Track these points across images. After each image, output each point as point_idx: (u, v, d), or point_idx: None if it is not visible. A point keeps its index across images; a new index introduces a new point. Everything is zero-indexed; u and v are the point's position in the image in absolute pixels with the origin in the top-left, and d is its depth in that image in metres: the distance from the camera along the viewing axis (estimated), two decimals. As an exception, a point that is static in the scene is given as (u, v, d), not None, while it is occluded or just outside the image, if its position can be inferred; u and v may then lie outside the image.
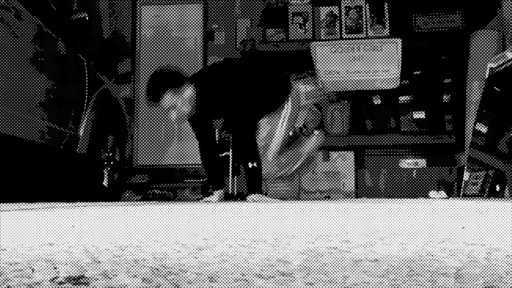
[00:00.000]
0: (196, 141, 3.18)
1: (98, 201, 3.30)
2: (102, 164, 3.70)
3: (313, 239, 0.74)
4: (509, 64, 3.72)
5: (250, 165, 2.95)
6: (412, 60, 5.04)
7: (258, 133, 3.10)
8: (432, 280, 0.43)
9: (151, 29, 5.91)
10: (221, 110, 3.05)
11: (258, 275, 0.46)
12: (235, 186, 4.79)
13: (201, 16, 5.84)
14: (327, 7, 5.20)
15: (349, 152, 5.07)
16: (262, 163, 3.03)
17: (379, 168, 5.11)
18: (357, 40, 5.00)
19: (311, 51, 4.95)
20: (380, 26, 5.09)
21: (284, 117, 3.08)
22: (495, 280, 0.43)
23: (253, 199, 2.95)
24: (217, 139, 4.17)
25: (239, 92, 2.94)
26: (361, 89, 4.99)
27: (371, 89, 5.00)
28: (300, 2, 5.26)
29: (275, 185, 4.87)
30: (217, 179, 3.15)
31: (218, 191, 3.12)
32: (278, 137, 3.08)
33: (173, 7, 5.91)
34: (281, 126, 3.07)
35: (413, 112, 5.11)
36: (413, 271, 0.47)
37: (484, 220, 1.23)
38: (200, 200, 3.22)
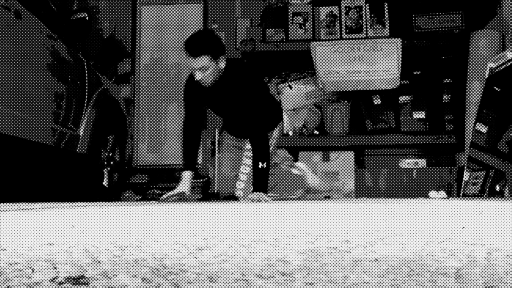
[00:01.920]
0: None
1: (98, 201, 3.30)
2: (102, 164, 3.71)
3: (313, 239, 0.74)
4: (509, 64, 3.72)
5: (260, 165, 2.98)
6: (412, 60, 5.04)
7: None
8: (432, 280, 0.43)
9: (151, 29, 5.91)
10: (229, 103, 3.14)
11: (258, 275, 0.46)
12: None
13: (201, 16, 5.84)
14: (327, 7, 5.20)
15: (349, 152, 5.07)
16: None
17: (379, 168, 5.11)
18: (357, 40, 5.00)
19: (311, 51, 4.95)
20: (380, 26, 5.09)
21: (273, 138, 3.35)
22: (495, 280, 0.43)
23: (253, 198, 2.96)
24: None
25: (248, 101, 3.09)
26: (361, 89, 4.99)
27: (371, 89, 5.00)
28: (300, 2, 5.26)
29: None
30: (191, 158, 3.20)
31: (188, 172, 3.14)
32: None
33: (173, 7, 5.91)
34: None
35: (413, 112, 5.11)
36: (413, 271, 0.47)
37: (484, 220, 1.23)
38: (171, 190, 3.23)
